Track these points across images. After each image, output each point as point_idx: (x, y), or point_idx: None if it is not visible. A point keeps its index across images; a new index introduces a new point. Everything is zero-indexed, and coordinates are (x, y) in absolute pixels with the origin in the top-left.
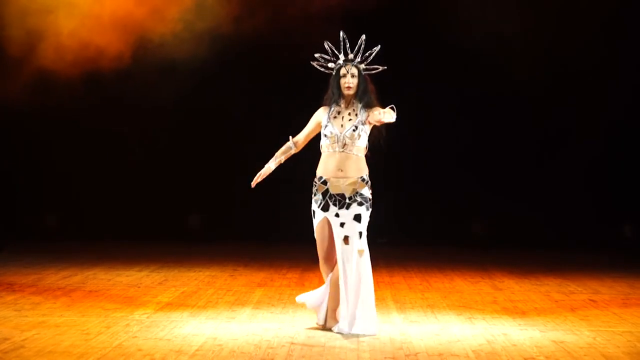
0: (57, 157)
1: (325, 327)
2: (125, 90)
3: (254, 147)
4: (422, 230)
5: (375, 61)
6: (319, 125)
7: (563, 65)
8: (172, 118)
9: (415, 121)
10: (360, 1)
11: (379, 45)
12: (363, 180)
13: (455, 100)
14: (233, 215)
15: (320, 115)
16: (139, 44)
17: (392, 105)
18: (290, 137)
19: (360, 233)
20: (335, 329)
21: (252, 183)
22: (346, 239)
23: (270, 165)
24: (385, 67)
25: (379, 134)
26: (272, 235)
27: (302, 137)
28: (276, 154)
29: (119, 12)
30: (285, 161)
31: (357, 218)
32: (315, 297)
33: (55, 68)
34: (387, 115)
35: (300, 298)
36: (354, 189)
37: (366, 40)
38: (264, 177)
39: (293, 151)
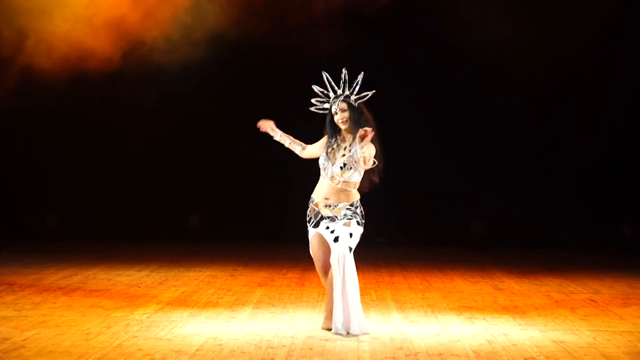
0: (57, 157)
1: (323, 329)
2: (125, 90)
3: (254, 147)
4: (422, 230)
5: (365, 85)
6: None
7: (563, 65)
8: (172, 118)
9: (416, 121)
10: (361, 4)
11: (362, 73)
12: (352, 205)
13: (456, 100)
14: (233, 215)
15: (323, 145)
16: (138, 46)
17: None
18: (309, 146)
19: (351, 234)
20: (333, 330)
21: (261, 124)
22: (336, 239)
23: (277, 134)
24: (374, 91)
25: (371, 172)
26: (272, 235)
27: (309, 150)
28: (290, 136)
29: (116, 14)
30: (288, 162)
31: (347, 224)
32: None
33: (55, 69)
34: (367, 150)
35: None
36: (343, 212)
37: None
38: (268, 128)
39: (298, 151)
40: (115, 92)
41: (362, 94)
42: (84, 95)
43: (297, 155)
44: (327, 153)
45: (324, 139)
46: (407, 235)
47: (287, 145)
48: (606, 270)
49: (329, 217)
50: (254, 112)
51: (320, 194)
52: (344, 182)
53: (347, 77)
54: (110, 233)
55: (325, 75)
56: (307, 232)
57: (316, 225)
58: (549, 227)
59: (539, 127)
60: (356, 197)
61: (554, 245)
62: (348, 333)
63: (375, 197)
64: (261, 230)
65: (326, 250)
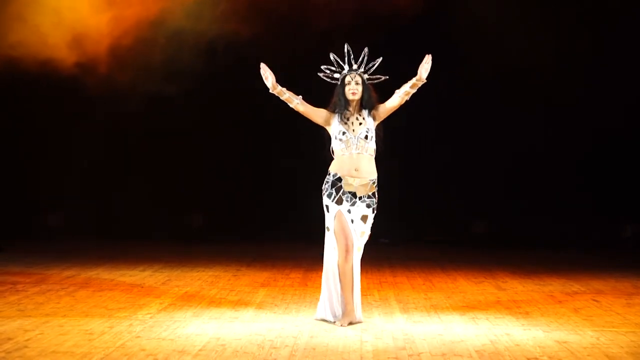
0: (59, 157)
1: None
2: (126, 90)
3: (257, 147)
4: (425, 230)
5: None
6: (321, 119)
7: (563, 66)
8: (175, 118)
9: (418, 122)
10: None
11: (381, 58)
12: (374, 183)
13: (457, 100)
14: (236, 215)
15: (327, 117)
16: (145, 43)
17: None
18: (308, 104)
19: (363, 232)
20: (344, 322)
21: (263, 68)
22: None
23: (283, 92)
24: (387, 77)
25: (377, 137)
26: (275, 235)
27: (308, 107)
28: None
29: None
30: (290, 162)
31: (364, 219)
32: (328, 306)
33: (60, 67)
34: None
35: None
36: (365, 191)
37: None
38: (270, 76)
39: (296, 103)
40: (116, 92)
41: (375, 76)
42: (86, 95)
43: (299, 156)
44: (343, 128)
45: (324, 111)
46: (410, 235)
47: (283, 98)
48: (609, 270)
49: (350, 194)
50: (256, 112)
51: (346, 167)
52: (369, 147)
53: (366, 57)
54: (113, 233)
55: (347, 47)
56: (326, 206)
57: (339, 202)
58: (552, 227)
59: (541, 128)
60: (376, 171)
61: (556, 246)
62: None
63: (380, 196)
64: (264, 230)
65: (349, 230)
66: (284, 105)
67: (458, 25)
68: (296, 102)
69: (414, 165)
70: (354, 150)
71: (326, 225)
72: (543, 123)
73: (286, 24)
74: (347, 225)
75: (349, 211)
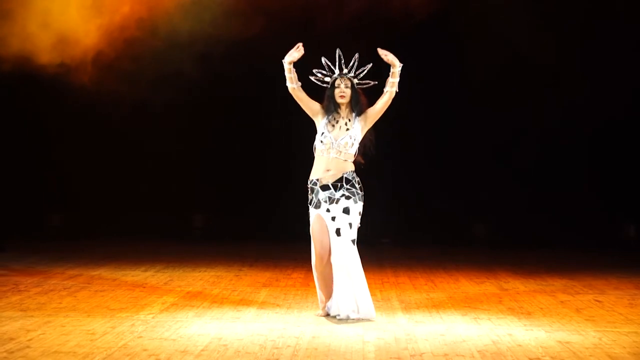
0: (61, 157)
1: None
2: (129, 90)
3: (258, 147)
4: (427, 230)
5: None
6: (311, 110)
7: (565, 66)
8: (177, 118)
9: (419, 123)
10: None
11: (371, 64)
12: (350, 175)
13: (458, 101)
14: (238, 215)
15: (318, 111)
16: (146, 43)
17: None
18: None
19: (350, 224)
20: (341, 315)
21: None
22: (338, 231)
23: (292, 70)
24: (376, 82)
25: (369, 142)
26: (277, 236)
27: (302, 94)
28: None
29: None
30: (291, 162)
31: (346, 211)
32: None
33: (62, 67)
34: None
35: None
36: (340, 178)
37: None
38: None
39: (296, 86)
40: (118, 92)
41: (364, 82)
42: (86, 94)
43: (303, 157)
44: (326, 130)
45: (319, 106)
46: (412, 236)
47: (289, 74)
48: (611, 270)
49: (328, 190)
50: (257, 112)
51: (320, 169)
52: (347, 154)
53: (356, 62)
54: (116, 233)
55: (338, 52)
56: (308, 214)
57: (317, 206)
58: (554, 227)
59: (542, 128)
60: (351, 167)
61: (559, 246)
62: (355, 318)
63: (381, 196)
64: (266, 230)
65: (327, 234)
66: (285, 108)
67: (461, 27)
68: (297, 85)
69: (415, 166)
70: (332, 154)
71: None
72: (544, 123)
73: (287, 25)
74: (324, 231)
75: (328, 210)
